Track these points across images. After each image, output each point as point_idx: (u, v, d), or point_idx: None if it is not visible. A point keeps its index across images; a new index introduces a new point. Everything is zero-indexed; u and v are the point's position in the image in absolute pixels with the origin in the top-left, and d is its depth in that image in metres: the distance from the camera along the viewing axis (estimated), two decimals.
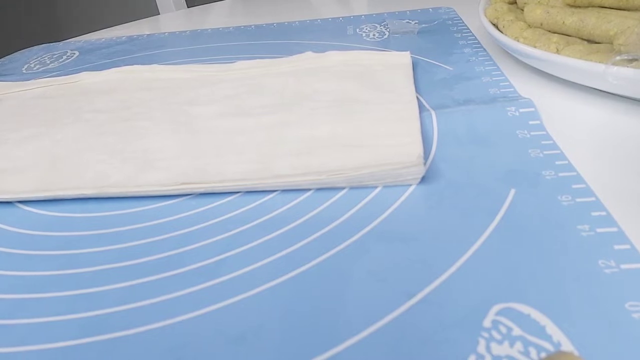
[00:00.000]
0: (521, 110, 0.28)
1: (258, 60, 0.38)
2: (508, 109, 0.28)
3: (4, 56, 0.52)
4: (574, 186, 0.22)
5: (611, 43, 0.29)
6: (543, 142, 0.25)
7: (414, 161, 0.23)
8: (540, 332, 0.16)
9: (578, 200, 0.21)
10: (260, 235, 0.21)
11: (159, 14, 0.74)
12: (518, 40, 0.32)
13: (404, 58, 0.36)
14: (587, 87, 0.30)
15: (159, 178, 0.25)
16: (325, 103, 0.30)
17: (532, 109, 0.28)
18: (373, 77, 0.33)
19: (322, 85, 0.33)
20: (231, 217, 0.23)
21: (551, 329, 0.16)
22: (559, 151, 0.24)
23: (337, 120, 0.28)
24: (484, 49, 0.38)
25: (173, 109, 0.32)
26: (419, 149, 0.24)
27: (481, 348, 0.15)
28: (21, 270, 0.21)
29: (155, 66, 0.39)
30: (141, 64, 0.40)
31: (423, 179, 0.24)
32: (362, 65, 0.35)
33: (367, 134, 0.26)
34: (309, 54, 0.37)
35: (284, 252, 0.20)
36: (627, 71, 0.26)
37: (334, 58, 0.36)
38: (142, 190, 0.25)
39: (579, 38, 0.31)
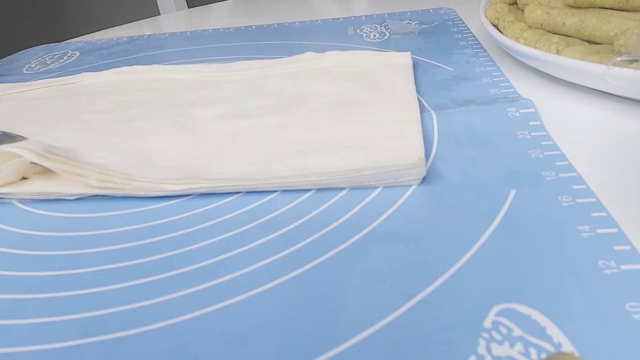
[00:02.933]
0: (521, 111, 0.28)
1: (258, 60, 0.38)
2: (508, 109, 0.28)
3: (5, 56, 0.52)
4: (574, 187, 0.22)
5: (611, 44, 0.29)
6: (543, 143, 0.25)
7: (414, 162, 0.23)
8: (541, 332, 0.16)
9: (578, 201, 0.21)
10: (261, 236, 0.21)
11: (159, 14, 0.74)
12: (518, 41, 0.32)
13: (405, 59, 0.36)
14: (588, 87, 0.30)
15: (160, 176, 0.25)
16: (325, 104, 0.30)
17: (533, 110, 0.28)
18: (373, 78, 0.33)
19: (322, 86, 0.33)
20: (231, 217, 0.23)
21: (551, 329, 0.16)
22: (559, 152, 0.24)
23: (338, 122, 0.28)
24: (485, 50, 0.38)
25: (174, 110, 0.32)
26: (419, 150, 0.24)
27: (481, 349, 0.15)
28: (21, 271, 0.21)
29: (155, 66, 0.39)
30: (142, 65, 0.40)
31: (423, 180, 0.24)
32: (363, 66, 0.35)
33: (367, 135, 0.26)
34: (310, 54, 0.37)
35: (284, 253, 0.20)
36: (628, 72, 0.26)
37: (335, 59, 0.36)
38: (143, 186, 0.24)
39: (580, 39, 0.31)
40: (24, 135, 0.31)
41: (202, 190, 0.24)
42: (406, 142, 0.25)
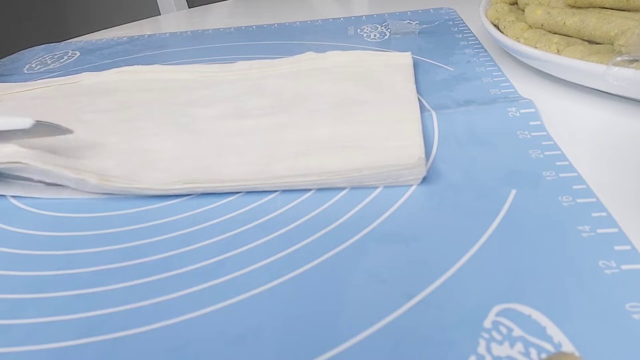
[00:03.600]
0: (522, 110, 0.28)
1: (259, 60, 0.38)
2: (509, 109, 0.28)
3: (5, 56, 0.52)
4: (575, 187, 0.22)
5: (612, 44, 0.29)
6: (543, 143, 0.25)
7: (415, 162, 0.23)
8: (541, 332, 0.16)
9: (578, 201, 0.21)
10: (261, 236, 0.21)
11: (159, 14, 0.74)
12: (519, 41, 0.32)
13: (405, 59, 0.36)
14: (588, 87, 0.30)
15: (160, 177, 0.25)
16: (325, 104, 0.30)
17: (533, 110, 0.28)
18: (374, 78, 0.33)
19: (322, 86, 0.33)
20: (231, 217, 0.23)
21: (552, 329, 0.16)
22: (559, 152, 0.24)
23: (338, 122, 0.28)
24: (485, 50, 0.38)
25: (174, 110, 0.32)
26: (420, 150, 0.24)
27: (481, 349, 0.15)
28: (21, 270, 0.21)
29: (156, 66, 0.39)
30: (142, 65, 0.40)
31: (423, 180, 0.24)
32: (363, 66, 0.35)
33: (367, 135, 0.26)
34: (310, 54, 0.37)
35: (284, 253, 0.20)
36: (628, 72, 0.26)
37: (335, 59, 0.36)
38: (144, 188, 0.25)
39: (580, 39, 0.31)
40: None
41: (202, 191, 0.24)
42: (406, 142, 0.25)
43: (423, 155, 0.24)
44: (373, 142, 0.26)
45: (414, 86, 0.32)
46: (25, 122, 0.25)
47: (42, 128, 0.25)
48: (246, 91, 0.34)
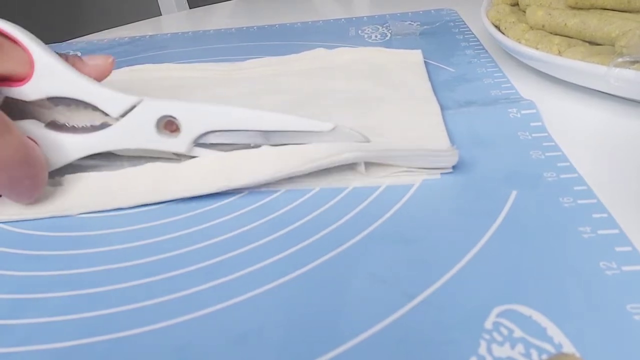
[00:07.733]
0: (523, 111, 0.28)
1: (269, 58, 0.38)
2: (510, 110, 0.28)
3: None
4: (576, 188, 0.22)
5: (613, 45, 0.29)
6: (544, 144, 0.25)
7: (448, 150, 0.23)
8: (542, 333, 0.16)
9: (579, 202, 0.21)
10: (263, 236, 0.21)
11: (161, 14, 0.74)
12: (520, 42, 0.32)
13: (416, 56, 0.36)
14: (589, 88, 0.30)
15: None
16: (340, 101, 0.31)
17: (534, 111, 0.28)
18: (386, 76, 0.34)
19: (336, 83, 0.33)
20: (233, 217, 0.23)
21: (552, 330, 0.16)
22: (560, 153, 0.24)
23: (358, 116, 0.28)
24: (486, 51, 0.38)
25: None
26: (446, 139, 0.25)
27: (482, 350, 0.15)
28: (23, 271, 0.21)
29: (167, 65, 0.39)
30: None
31: (424, 180, 0.24)
32: (374, 63, 0.35)
33: (391, 128, 0.27)
34: (320, 50, 0.37)
35: (286, 253, 0.20)
36: (629, 73, 0.26)
37: (345, 56, 0.37)
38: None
39: (581, 40, 0.31)
40: None
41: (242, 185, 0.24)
42: (429, 133, 0.26)
43: (450, 145, 0.24)
44: (398, 134, 0.26)
45: (429, 83, 0.32)
46: (326, 126, 0.24)
47: (340, 134, 0.24)
48: (260, 89, 0.34)
